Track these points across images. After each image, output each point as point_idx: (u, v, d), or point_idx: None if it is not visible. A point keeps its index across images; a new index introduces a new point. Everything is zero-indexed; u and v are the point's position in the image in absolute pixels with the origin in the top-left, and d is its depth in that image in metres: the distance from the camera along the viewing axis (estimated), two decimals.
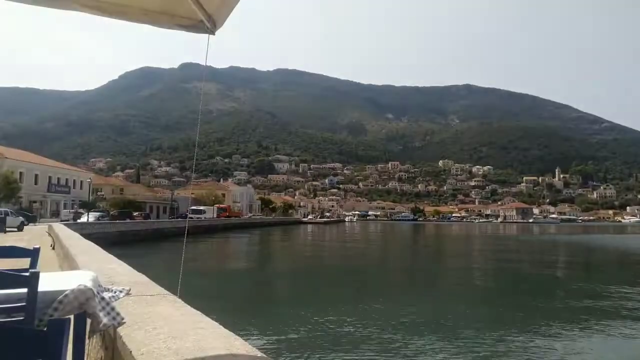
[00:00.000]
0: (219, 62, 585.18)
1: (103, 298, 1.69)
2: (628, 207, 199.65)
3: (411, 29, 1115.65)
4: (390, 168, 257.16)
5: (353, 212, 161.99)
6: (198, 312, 2.00)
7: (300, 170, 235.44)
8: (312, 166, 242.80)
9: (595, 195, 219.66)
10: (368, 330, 8.64)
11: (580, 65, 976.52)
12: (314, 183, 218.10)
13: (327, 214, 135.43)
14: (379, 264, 21.49)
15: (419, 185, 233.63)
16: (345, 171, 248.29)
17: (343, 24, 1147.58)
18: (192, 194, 72.79)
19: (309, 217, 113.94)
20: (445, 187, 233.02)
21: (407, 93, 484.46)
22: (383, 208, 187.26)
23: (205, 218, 57.47)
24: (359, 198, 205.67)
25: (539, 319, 9.54)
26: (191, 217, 51.39)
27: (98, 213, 37.06)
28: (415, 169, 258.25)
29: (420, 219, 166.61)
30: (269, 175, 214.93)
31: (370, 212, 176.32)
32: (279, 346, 7.44)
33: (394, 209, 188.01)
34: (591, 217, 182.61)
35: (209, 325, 1.75)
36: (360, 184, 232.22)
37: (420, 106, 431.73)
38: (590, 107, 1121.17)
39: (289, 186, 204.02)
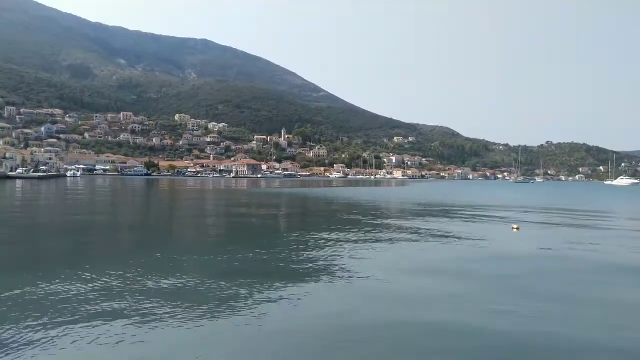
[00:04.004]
0: None
1: None
2: (335, 165, 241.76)
3: None
4: (122, 119, 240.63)
5: (77, 166, 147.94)
6: None
7: (7, 115, 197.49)
8: (22, 111, 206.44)
9: (311, 154, 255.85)
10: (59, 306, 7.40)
11: (307, 39, 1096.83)
12: (26, 131, 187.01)
13: (44, 167, 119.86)
14: (98, 223, 19.93)
15: (154, 139, 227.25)
16: (67, 119, 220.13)
17: None
18: None
19: (19, 171, 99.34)
20: (181, 142, 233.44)
21: (142, 39, 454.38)
22: (113, 162, 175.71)
23: None
24: (85, 150, 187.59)
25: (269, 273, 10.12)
26: None
27: None
28: (151, 122, 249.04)
29: (155, 173, 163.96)
30: None
31: (98, 166, 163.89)
32: None
33: (125, 163, 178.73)
34: (308, 173, 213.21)
35: None
36: (87, 135, 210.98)
37: (157, 56, 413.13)
38: (313, 76, 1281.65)
39: None
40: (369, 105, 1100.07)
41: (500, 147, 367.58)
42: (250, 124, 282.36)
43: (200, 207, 31.01)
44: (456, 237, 15.59)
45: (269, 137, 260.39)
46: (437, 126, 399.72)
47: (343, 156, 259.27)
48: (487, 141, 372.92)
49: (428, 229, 17.86)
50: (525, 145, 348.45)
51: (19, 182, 68.17)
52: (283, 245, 13.36)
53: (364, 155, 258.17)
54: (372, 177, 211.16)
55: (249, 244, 13.63)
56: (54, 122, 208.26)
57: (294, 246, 13.15)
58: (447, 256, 12.12)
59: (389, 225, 19.60)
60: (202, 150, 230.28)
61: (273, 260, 11.12)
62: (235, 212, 26.58)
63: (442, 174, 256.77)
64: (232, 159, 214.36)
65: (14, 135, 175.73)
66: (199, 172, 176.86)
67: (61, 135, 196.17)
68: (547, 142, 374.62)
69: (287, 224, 21.28)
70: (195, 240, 15.19)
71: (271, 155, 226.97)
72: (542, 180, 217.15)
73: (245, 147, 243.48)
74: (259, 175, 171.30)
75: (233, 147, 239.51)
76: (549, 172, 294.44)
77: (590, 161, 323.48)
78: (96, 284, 8.39)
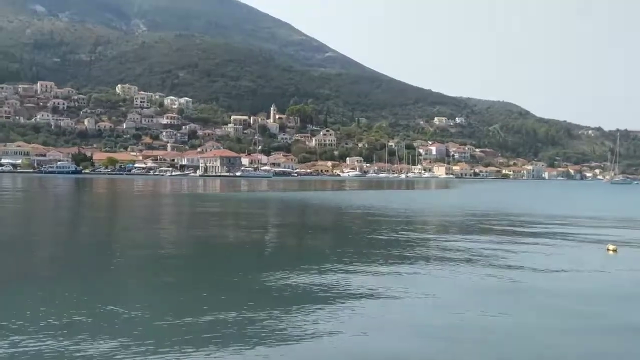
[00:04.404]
0: None
1: None
2: (348, 158, 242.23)
3: None
4: (39, 91, 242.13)
5: None
6: None
7: None
8: None
9: (314, 143, 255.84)
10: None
11: None
12: None
13: None
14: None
15: (86, 121, 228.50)
16: None
17: None
18: None
19: None
20: (125, 125, 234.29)
21: None
22: (27, 153, 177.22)
23: None
24: None
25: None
26: None
27: None
28: (81, 95, 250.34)
29: (87, 170, 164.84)
30: None
31: (4, 160, 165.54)
32: None
33: (44, 155, 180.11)
34: (309, 170, 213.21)
35: None
36: None
37: (90, 0, 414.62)
38: (316, 30, 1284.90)
39: None
40: (397, 71, 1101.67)
41: (590, 132, 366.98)
42: (225, 98, 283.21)
43: (150, 221, 31.05)
44: (524, 266, 15.56)
45: (252, 118, 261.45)
46: (497, 101, 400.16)
47: (360, 145, 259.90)
48: (569, 123, 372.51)
49: (485, 254, 17.84)
50: (626, 130, 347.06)
51: None
52: (268, 281, 13.30)
53: (390, 144, 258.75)
54: (403, 176, 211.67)
55: (222, 278, 13.63)
56: None
57: (284, 285, 13.10)
58: (512, 291, 12.09)
59: (429, 246, 19.60)
60: (156, 137, 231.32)
61: (253, 304, 11.10)
62: (200, 231, 26.62)
63: (504, 172, 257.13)
64: (199, 149, 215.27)
65: None
66: (150, 169, 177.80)
67: None
68: None
69: (276, 246, 21.31)
70: (140, 273, 15.17)
71: (255, 144, 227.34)
72: None
73: (218, 132, 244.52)
74: (238, 173, 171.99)
75: (200, 133, 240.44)
76: None
77: None
78: None
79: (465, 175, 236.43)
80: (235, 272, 14.21)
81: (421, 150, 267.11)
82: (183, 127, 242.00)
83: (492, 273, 14.33)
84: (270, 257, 17.89)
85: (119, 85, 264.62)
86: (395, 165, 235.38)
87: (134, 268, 15.32)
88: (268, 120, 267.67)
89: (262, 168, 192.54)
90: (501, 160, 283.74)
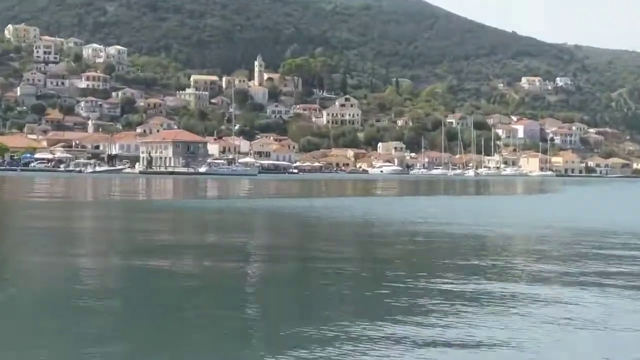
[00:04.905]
0: None
1: None
2: (381, 144, 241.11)
3: None
4: None
5: None
6: None
7: None
8: None
9: (325, 120, 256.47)
10: None
11: None
12: None
13: None
14: None
15: None
16: None
17: None
18: None
19: None
20: (19, 91, 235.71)
21: None
22: None
23: None
24: None
25: None
26: None
27: None
28: None
29: None
30: None
31: None
32: None
33: None
34: (317, 163, 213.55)
35: None
36: None
37: None
38: None
39: None
40: (461, 1, 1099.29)
41: None
42: (182, 47, 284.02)
43: (55, 246, 29.97)
44: None
45: (224, 79, 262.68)
46: (624, 51, 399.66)
47: (400, 124, 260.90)
48: None
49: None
50: None
51: None
52: (244, 342, 12.03)
53: (449, 120, 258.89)
54: (470, 173, 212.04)
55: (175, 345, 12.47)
56: None
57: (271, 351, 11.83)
58: None
59: (520, 295, 18.12)
60: (69, 111, 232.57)
61: None
62: (136, 261, 25.33)
63: (636, 166, 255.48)
64: (139, 129, 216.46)
65: None
66: (61, 162, 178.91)
67: None
68: None
69: (259, 289, 20.03)
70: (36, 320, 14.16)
71: (230, 121, 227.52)
72: None
73: (170, 101, 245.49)
74: (202, 169, 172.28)
75: (141, 103, 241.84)
76: None
77: None
78: None
79: (573, 171, 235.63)
80: (197, 329, 13.06)
81: (500, 132, 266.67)
82: (113, 93, 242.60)
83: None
84: (249, 306, 16.58)
85: (9, 26, 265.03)
86: (458, 156, 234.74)
87: (28, 312, 14.41)
88: (251, 83, 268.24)
89: (242, 160, 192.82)
90: (631, 148, 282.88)
